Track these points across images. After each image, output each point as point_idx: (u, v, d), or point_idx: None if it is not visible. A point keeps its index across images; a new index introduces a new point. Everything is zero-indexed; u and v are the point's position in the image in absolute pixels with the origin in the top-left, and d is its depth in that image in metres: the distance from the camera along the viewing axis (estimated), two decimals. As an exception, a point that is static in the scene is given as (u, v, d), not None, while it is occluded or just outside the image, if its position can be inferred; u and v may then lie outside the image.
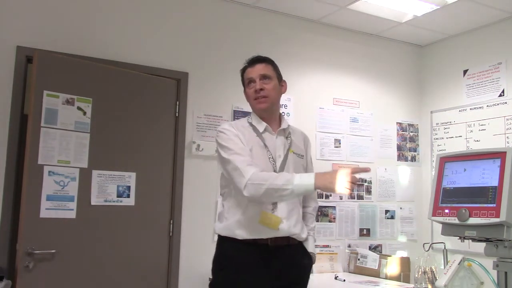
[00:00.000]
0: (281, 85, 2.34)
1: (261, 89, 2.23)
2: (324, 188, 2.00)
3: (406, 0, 3.75)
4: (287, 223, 2.15)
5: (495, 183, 1.83)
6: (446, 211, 1.96)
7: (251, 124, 2.29)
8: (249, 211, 2.13)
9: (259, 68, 2.26)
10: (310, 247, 2.26)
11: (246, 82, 2.31)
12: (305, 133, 2.50)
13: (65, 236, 2.84)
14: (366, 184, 4.28)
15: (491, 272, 1.90)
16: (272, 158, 2.21)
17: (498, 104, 4.00)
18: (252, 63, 2.30)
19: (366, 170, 2.14)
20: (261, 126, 2.27)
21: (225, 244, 2.19)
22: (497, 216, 1.77)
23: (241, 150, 2.14)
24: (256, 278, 2.10)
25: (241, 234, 2.12)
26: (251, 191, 2.02)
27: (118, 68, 3.20)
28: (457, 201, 1.95)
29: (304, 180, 1.99)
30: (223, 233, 2.19)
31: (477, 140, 4.11)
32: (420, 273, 2.88)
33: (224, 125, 2.28)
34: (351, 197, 4.19)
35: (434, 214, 2.02)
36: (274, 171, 2.17)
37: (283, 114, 2.48)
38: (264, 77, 2.25)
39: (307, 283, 2.29)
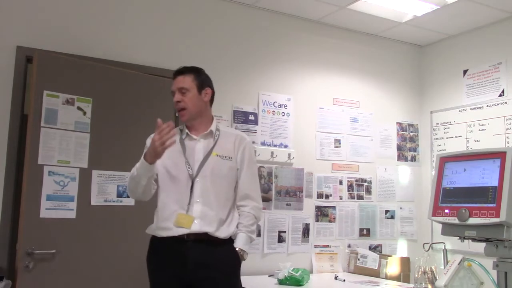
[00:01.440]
0: (205, 93, 2.42)
1: (178, 102, 2.36)
2: (152, 156, 2.17)
3: (406, 0, 3.76)
4: (200, 222, 2.24)
5: (495, 183, 1.83)
6: (446, 211, 1.96)
7: (181, 131, 2.43)
8: (165, 212, 2.30)
9: (178, 81, 2.39)
10: (237, 243, 2.31)
11: (171, 94, 2.45)
12: (244, 135, 2.52)
13: (65, 236, 2.84)
14: (366, 184, 4.29)
15: (491, 272, 1.90)
16: (188, 162, 2.32)
17: (498, 104, 4.00)
18: (174, 76, 2.43)
19: (168, 125, 2.17)
20: (184, 133, 2.42)
21: (151, 241, 2.38)
22: (497, 216, 1.77)
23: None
24: (169, 273, 2.24)
25: (158, 232, 2.31)
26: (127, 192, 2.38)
27: (118, 68, 3.20)
28: (457, 201, 1.95)
29: (141, 160, 2.23)
30: (149, 232, 2.39)
31: (477, 140, 4.11)
32: (420, 273, 2.88)
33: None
34: (351, 197, 4.20)
35: (434, 214, 2.02)
36: (190, 175, 2.29)
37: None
38: (181, 89, 2.36)
39: (230, 278, 2.31)
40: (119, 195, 3.09)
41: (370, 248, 4.15)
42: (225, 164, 2.35)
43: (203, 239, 2.24)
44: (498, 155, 1.87)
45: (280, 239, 3.79)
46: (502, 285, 1.87)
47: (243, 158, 2.41)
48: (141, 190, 2.30)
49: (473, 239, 1.91)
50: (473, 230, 1.87)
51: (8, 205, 2.90)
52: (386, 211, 4.36)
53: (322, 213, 4.03)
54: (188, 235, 2.23)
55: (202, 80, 2.43)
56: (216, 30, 3.75)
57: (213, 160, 2.34)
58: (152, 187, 2.35)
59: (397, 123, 4.57)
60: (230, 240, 2.32)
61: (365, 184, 4.28)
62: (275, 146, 3.88)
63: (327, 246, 4.01)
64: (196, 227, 2.24)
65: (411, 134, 4.64)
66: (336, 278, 3.62)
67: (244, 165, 2.41)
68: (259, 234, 3.66)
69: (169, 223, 2.26)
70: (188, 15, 3.65)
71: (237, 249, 2.30)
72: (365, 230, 4.22)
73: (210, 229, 2.25)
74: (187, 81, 2.37)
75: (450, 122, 4.38)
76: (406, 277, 3.73)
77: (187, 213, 2.25)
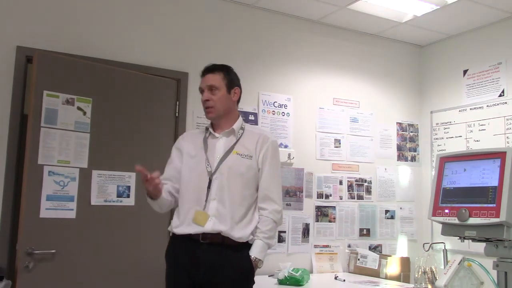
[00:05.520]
0: (234, 92, 2.43)
1: (207, 100, 2.36)
2: (149, 196, 2.29)
3: (406, 0, 3.76)
4: (214, 220, 2.24)
5: (495, 183, 1.83)
6: (446, 211, 1.96)
7: (206, 130, 2.46)
8: (183, 209, 2.32)
9: (208, 79, 2.38)
10: (252, 251, 2.27)
11: (199, 91, 2.44)
12: (268, 134, 2.47)
13: (65, 236, 2.84)
14: (366, 184, 4.29)
15: (491, 272, 1.90)
16: (207, 160, 2.34)
17: (498, 104, 4.00)
18: (204, 73, 2.42)
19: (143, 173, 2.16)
20: (208, 131, 2.44)
21: (170, 238, 2.42)
22: (497, 216, 1.77)
23: (169, 163, 2.46)
24: (182, 272, 2.25)
25: (175, 229, 2.33)
26: None
27: (118, 68, 3.20)
28: (457, 201, 1.95)
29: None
30: (169, 229, 2.42)
31: (477, 140, 4.11)
32: (420, 273, 2.88)
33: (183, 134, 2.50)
34: (351, 197, 4.19)
35: (434, 214, 2.02)
36: (209, 172, 2.31)
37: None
38: (211, 87, 2.36)
39: (240, 286, 2.28)
40: (119, 195, 3.09)
41: (370, 248, 4.15)
42: (244, 163, 2.33)
43: (218, 242, 2.23)
44: (498, 155, 1.87)
45: (280, 239, 3.79)
46: (502, 285, 1.87)
47: (265, 158, 2.37)
48: (157, 208, 2.39)
49: (473, 239, 1.91)
50: (473, 230, 1.87)
51: (8, 205, 2.90)
52: (386, 211, 4.36)
53: (322, 213, 4.03)
54: (203, 236, 2.23)
55: (232, 79, 2.43)
56: (216, 30, 3.75)
57: (232, 158, 2.32)
58: (169, 204, 2.40)
59: (397, 123, 4.57)
60: (246, 245, 2.28)
61: (365, 184, 4.28)
62: (275, 146, 3.88)
63: (327, 246, 4.01)
64: (210, 225, 2.23)
65: (411, 134, 4.64)
66: (336, 278, 3.62)
67: (266, 165, 2.37)
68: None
69: (186, 220, 2.27)
70: (188, 15, 3.65)
71: (251, 257, 2.26)
72: (365, 230, 4.22)
73: (223, 228, 2.22)
74: (217, 79, 2.37)
75: (450, 122, 4.38)
76: (406, 277, 3.73)
77: (204, 210, 2.25)
